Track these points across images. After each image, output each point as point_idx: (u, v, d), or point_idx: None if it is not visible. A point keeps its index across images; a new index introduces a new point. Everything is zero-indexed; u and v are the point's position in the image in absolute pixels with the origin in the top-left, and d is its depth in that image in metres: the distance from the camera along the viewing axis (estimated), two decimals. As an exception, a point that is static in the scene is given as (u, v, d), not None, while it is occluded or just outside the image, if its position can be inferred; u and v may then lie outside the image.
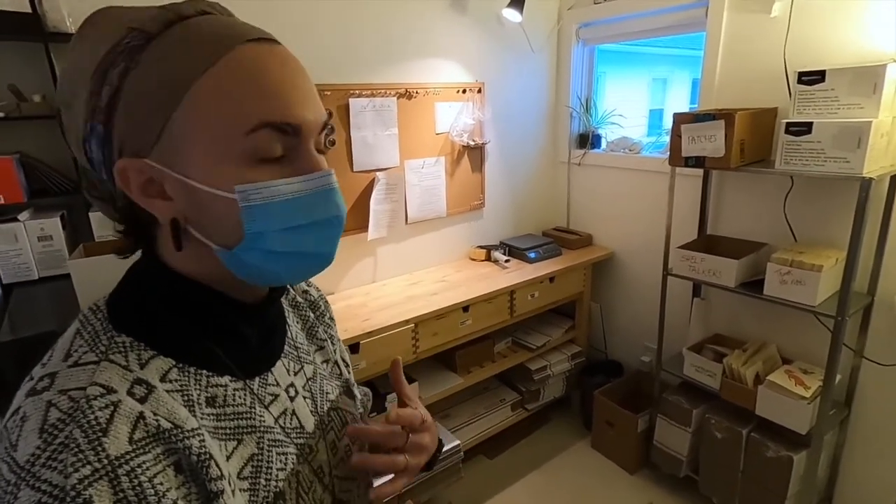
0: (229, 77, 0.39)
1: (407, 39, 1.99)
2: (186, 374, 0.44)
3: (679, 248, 1.87)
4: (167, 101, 0.39)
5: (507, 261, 2.26)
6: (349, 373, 0.67)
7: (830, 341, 1.54)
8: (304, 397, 0.55)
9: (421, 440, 0.58)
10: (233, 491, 0.42)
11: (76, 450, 0.35)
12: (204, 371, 0.45)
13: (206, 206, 0.41)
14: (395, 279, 2.17)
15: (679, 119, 1.71)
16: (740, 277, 1.74)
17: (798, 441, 1.67)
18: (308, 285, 0.67)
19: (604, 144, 2.51)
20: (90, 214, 1.47)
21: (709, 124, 1.63)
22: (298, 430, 0.52)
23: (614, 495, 2.09)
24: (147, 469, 0.37)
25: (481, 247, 2.38)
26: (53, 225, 1.44)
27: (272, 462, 0.48)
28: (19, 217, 1.42)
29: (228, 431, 0.45)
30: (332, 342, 0.66)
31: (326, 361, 0.63)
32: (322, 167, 0.44)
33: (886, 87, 1.37)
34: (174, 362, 0.43)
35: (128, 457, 0.36)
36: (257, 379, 0.50)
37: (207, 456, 0.40)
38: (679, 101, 7.20)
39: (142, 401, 0.39)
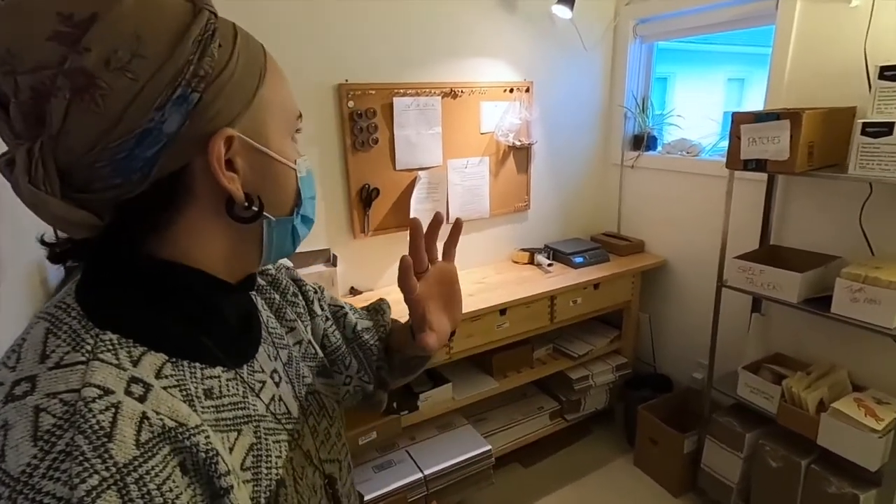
0: (275, 72, 0.46)
1: (453, 38, 1.98)
2: (181, 368, 0.42)
3: (736, 258, 1.73)
4: (254, 82, 0.43)
5: (549, 265, 2.20)
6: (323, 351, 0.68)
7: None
8: (286, 382, 0.55)
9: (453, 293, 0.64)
10: (237, 484, 0.41)
11: (81, 458, 0.32)
12: (197, 364, 0.44)
13: (274, 176, 0.47)
14: (434, 279, 2.16)
15: (738, 119, 1.58)
16: (804, 293, 1.58)
17: (866, 478, 1.50)
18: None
19: (660, 146, 2.38)
20: None
21: (771, 124, 1.50)
22: (287, 416, 0.52)
23: (655, 518, 1.97)
24: (156, 475, 0.35)
25: (525, 249, 2.32)
26: None
27: (270, 450, 0.48)
28: None
29: (229, 423, 0.44)
30: (301, 320, 0.65)
31: (299, 343, 0.63)
32: None
33: None
34: (166, 357, 0.41)
35: (136, 463, 0.34)
36: (245, 367, 0.50)
37: (214, 452, 0.39)
38: (757, 102, 6.71)
39: (141, 400, 0.37)
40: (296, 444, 0.52)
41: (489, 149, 2.16)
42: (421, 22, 1.89)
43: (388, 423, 1.82)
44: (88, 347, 0.38)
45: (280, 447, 0.49)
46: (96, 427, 0.34)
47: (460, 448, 1.93)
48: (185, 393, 0.41)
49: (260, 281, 0.63)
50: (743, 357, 1.92)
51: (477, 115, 2.09)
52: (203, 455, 0.38)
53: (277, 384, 0.53)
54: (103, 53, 0.35)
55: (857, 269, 1.45)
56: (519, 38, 2.13)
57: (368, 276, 2.04)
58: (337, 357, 0.70)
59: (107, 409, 0.35)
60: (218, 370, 0.45)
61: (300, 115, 0.51)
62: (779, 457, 1.68)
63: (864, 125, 1.36)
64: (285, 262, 0.69)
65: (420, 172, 2.00)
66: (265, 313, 0.60)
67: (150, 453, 0.35)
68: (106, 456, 0.33)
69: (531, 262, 2.28)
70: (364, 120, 1.85)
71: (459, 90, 2.02)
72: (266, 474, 0.46)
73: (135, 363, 0.39)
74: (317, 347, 0.66)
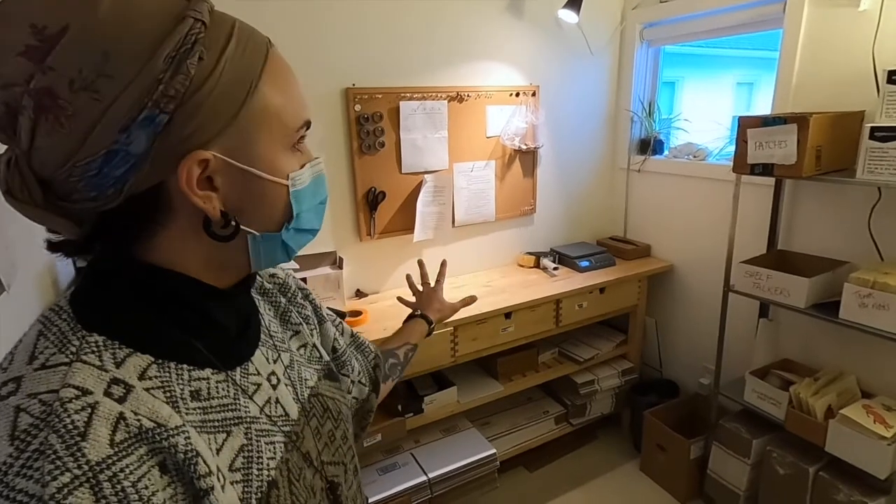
0: (277, 76, 0.43)
1: (460, 43, 1.99)
2: (167, 370, 0.42)
3: (743, 262, 1.72)
4: (241, 95, 0.41)
5: (555, 268, 2.20)
6: (334, 354, 0.70)
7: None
8: (286, 385, 0.55)
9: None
10: (223, 486, 0.41)
11: (53, 456, 0.33)
12: (184, 365, 0.44)
13: (260, 194, 0.44)
14: (439, 282, 2.16)
15: (745, 123, 1.58)
16: (812, 298, 1.57)
17: (876, 486, 1.48)
18: (273, 267, 0.67)
19: (667, 150, 2.37)
20: None
21: (778, 128, 1.49)
22: (284, 418, 0.52)
23: (661, 524, 1.96)
24: (130, 473, 0.35)
25: (530, 253, 2.32)
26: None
27: (262, 452, 0.48)
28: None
29: (216, 424, 0.45)
30: (307, 323, 0.65)
31: (304, 346, 0.63)
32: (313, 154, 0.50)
33: None
34: (152, 359, 0.42)
35: (109, 461, 0.35)
36: (238, 370, 0.50)
37: (194, 453, 0.39)
38: (767, 106, 6.66)
39: (120, 401, 0.37)
40: (293, 445, 0.52)
41: (495, 152, 2.17)
42: (428, 26, 1.91)
43: (392, 426, 1.82)
44: (73, 349, 0.39)
45: (273, 449, 0.49)
46: (70, 427, 0.34)
47: (465, 451, 1.93)
48: (168, 394, 0.42)
49: (267, 285, 0.63)
50: (750, 362, 1.91)
51: (483, 119, 2.10)
52: (182, 456, 0.39)
53: (275, 387, 0.53)
54: (68, 73, 0.35)
55: (866, 275, 1.44)
56: (525, 43, 2.14)
57: (374, 278, 2.05)
58: (344, 360, 0.72)
59: (83, 409, 0.35)
60: (207, 372, 0.46)
61: (306, 124, 0.47)
62: (787, 464, 1.66)
63: (873, 129, 1.35)
64: (292, 264, 0.71)
65: (426, 176, 2.01)
66: (267, 317, 0.60)
67: (124, 452, 0.36)
68: (78, 454, 0.34)
69: (537, 265, 2.27)
70: (371, 124, 1.86)
71: (466, 94, 2.03)
72: (257, 475, 0.46)
73: (118, 364, 0.40)
74: (322, 351, 0.66)
